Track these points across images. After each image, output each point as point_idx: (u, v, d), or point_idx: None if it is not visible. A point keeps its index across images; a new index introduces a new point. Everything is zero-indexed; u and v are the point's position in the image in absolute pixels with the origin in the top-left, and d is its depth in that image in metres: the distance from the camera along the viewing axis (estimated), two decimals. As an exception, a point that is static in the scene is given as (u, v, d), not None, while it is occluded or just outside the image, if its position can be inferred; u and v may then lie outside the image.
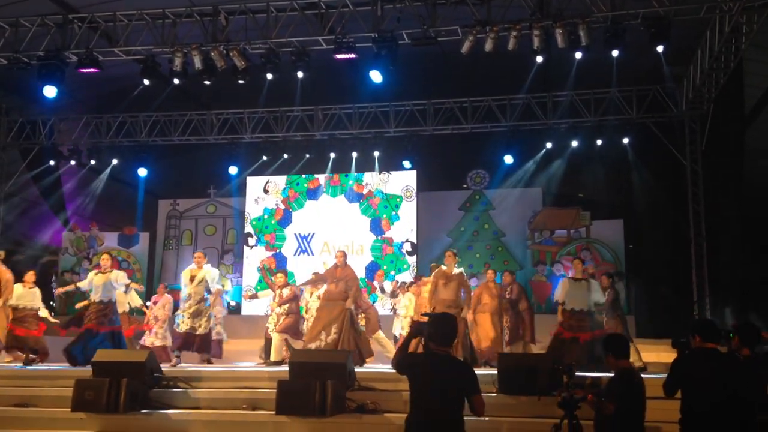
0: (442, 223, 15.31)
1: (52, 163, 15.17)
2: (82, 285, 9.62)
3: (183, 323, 9.35)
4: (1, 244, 14.93)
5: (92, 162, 15.24)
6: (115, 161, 15.41)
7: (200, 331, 9.39)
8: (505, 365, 6.96)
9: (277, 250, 15.55)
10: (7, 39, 10.80)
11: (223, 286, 11.90)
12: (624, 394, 4.62)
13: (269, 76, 10.83)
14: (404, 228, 15.12)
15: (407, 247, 14.93)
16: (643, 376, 5.02)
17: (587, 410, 4.73)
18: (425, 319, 4.45)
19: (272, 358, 9.67)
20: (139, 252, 15.88)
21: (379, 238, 15.12)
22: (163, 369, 7.89)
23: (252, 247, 15.66)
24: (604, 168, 14.27)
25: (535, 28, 9.50)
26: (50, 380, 7.94)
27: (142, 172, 15.50)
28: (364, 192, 15.41)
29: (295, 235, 15.52)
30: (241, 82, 10.82)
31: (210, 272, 9.59)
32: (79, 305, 10.34)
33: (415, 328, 4.53)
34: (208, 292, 9.54)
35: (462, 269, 9.35)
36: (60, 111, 14.45)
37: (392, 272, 14.72)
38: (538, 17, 9.58)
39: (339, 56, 10.29)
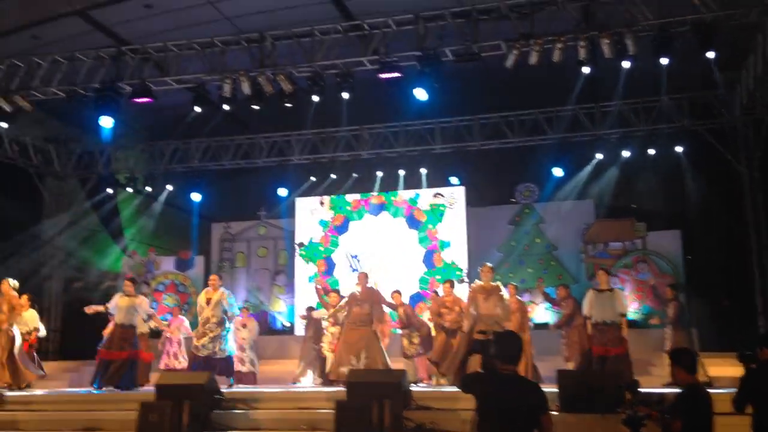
0: (492, 239, 15.16)
1: (110, 191, 15.67)
2: (109, 306, 9.77)
3: (204, 348, 9.42)
4: (65, 271, 15.54)
5: (148, 189, 15.67)
6: (169, 187, 15.82)
7: (220, 354, 9.49)
8: (566, 383, 6.84)
9: (328, 256, 15.56)
10: (65, 73, 11.15)
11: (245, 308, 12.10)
12: (690, 411, 4.51)
13: (315, 98, 10.95)
14: (454, 254, 14.81)
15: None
16: (709, 390, 4.89)
17: (653, 428, 4.62)
18: (482, 336, 4.43)
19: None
20: (194, 275, 16.17)
21: (430, 270, 14.84)
22: (222, 391, 8.01)
23: (303, 254, 15.70)
24: (657, 177, 13.94)
25: (580, 39, 9.42)
26: (115, 404, 8.14)
27: (196, 196, 15.84)
28: (424, 220, 15.17)
29: (346, 255, 15.51)
30: (288, 105, 10.99)
31: (226, 295, 9.69)
32: (105, 332, 10.43)
33: (474, 346, 4.50)
34: (226, 315, 9.62)
35: (499, 282, 9.26)
36: (116, 140, 14.91)
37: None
38: (583, 28, 9.49)
39: (383, 76, 10.36)
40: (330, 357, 10.02)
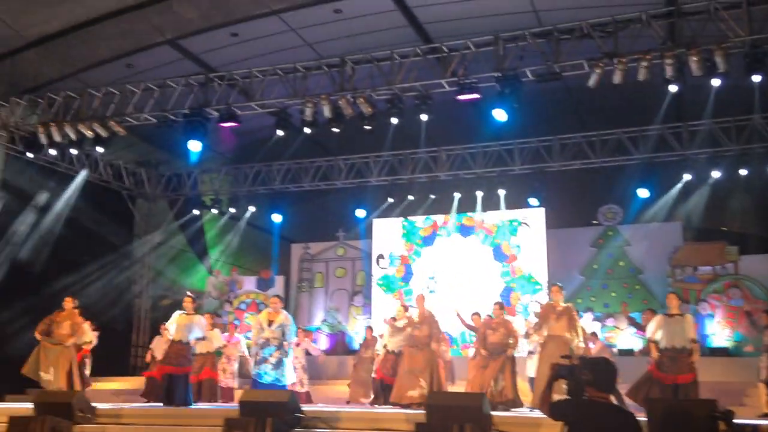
0: (573, 261, 14.81)
1: (196, 212, 16.25)
2: (170, 328, 9.76)
3: (267, 375, 9.33)
4: (154, 289, 16.17)
5: (232, 210, 16.17)
6: (252, 208, 16.26)
7: (285, 381, 9.48)
8: (656, 412, 6.56)
9: (407, 264, 15.63)
10: (156, 99, 11.69)
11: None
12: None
13: (394, 120, 11.05)
14: (535, 275, 14.50)
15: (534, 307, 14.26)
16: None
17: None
18: (565, 361, 4.31)
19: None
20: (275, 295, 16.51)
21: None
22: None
23: (384, 268, 15.80)
24: (750, 199, 13.35)
25: (666, 57, 9.14)
26: (201, 419, 8.33)
27: (277, 218, 16.20)
28: (509, 254, 14.97)
29: (425, 276, 15.42)
30: (367, 128, 11.12)
31: (288, 319, 9.70)
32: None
33: (558, 371, 4.38)
34: (284, 339, 9.60)
35: (570, 303, 9.03)
36: (202, 163, 15.47)
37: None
38: (669, 45, 9.23)
39: (462, 97, 10.34)
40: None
